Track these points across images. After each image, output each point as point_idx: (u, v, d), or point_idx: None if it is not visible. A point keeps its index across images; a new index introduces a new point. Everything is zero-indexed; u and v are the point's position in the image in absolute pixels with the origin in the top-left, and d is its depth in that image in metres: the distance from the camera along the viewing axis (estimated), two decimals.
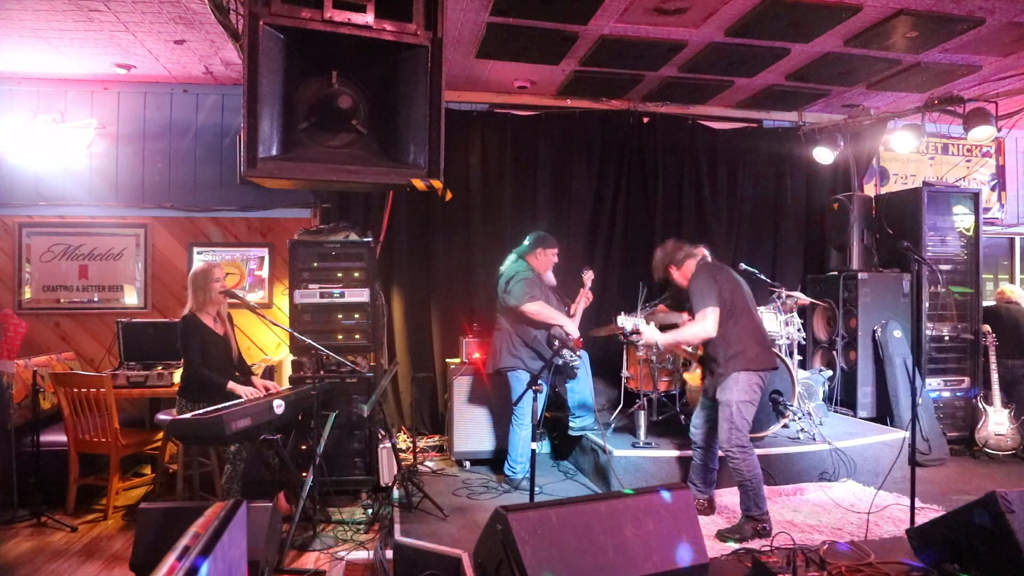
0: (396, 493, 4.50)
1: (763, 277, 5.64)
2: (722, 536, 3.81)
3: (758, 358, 3.90)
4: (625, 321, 3.98)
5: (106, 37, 4.93)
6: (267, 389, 4.20)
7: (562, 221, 6.31)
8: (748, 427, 3.89)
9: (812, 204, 6.94)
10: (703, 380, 4.26)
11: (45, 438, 4.58)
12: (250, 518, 2.90)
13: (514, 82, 6.07)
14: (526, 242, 5.00)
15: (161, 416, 4.74)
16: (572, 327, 4.66)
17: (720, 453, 4.13)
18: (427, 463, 5.47)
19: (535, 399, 3.64)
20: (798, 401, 5.09)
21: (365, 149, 2.81)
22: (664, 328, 4.12)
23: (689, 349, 4.30)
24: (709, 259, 4.46)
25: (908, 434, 3.74)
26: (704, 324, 3.87)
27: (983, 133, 5.58)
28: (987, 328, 6.02)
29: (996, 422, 5.76)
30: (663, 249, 4.27)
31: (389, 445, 4.73)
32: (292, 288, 4.95)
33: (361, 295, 4.97)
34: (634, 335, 3.93)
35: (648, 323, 4.05)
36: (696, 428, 4.19)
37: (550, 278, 4.96)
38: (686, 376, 5.22)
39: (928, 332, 6.10)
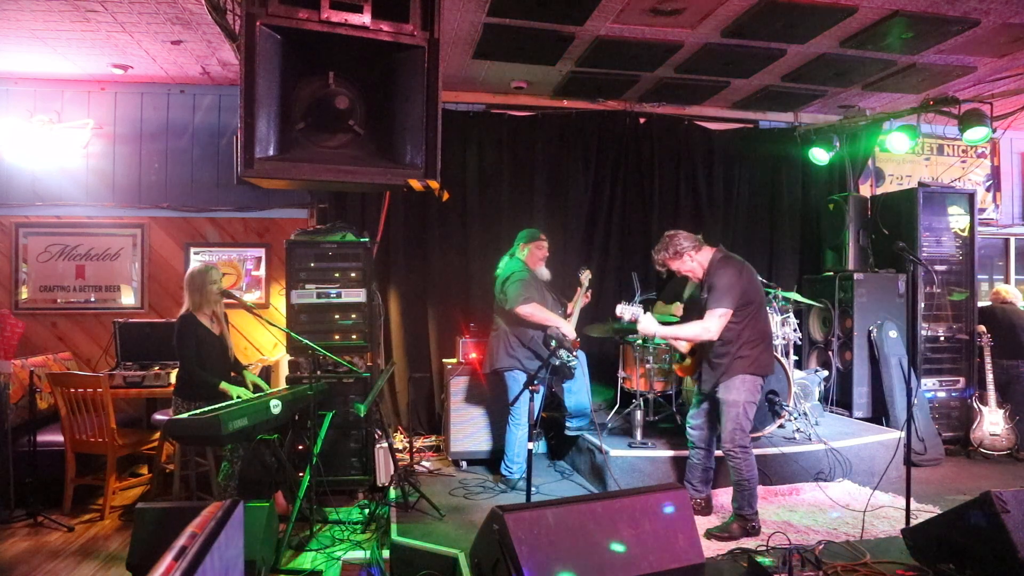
0: (393, 493, 4.50)
1: (759, 278, 5.63)
2: (710, 534, 3.82)
3: (764, 362, 3.91)
4: (624, 310, 3.96)
5: (103, 37, 4.92)
6: (259, 389, 4.21)
7: (559, 221, 6.32)
8: (751, 427, 3.92)
9: (808, 205, 6.96)
10: (693, 372, 4.25)
11: (42, 438, 4.58)
12: (247, 518, 2.91)
13: (511, 82, 6.08)
14: (516, 241, 5.01)
15: (158, 416, 4.75)
16: (568, 327, 4.66)
17: (718, 452, 4.12)
18: (424, 463, 5.47)
19: (532, 399, 3.65)
20: (794, 401, 5.10)
21: (362, 149, 2.81)
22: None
23: (683, 346, 4.27)
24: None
25: (904, 434, 3.74)
26: (707, 325, 3.81)
27: (978, 134, 5.59)
28: (982, 328, 6.04)
29: (991, 422, 5.77)
30: (677, 237, 4.03)
31: (386, 445, 4.73)
32: (289, 288, 4.96)
33: (358, 295, 4.98)
34: (633, 323, 3.93)
35: (646, 312, 4.03)
36: (695, 430, 4.15)
37: (543, 272, 4.94)
38: (676, 367, 5.19)
39: (923, 332, 6.11)
